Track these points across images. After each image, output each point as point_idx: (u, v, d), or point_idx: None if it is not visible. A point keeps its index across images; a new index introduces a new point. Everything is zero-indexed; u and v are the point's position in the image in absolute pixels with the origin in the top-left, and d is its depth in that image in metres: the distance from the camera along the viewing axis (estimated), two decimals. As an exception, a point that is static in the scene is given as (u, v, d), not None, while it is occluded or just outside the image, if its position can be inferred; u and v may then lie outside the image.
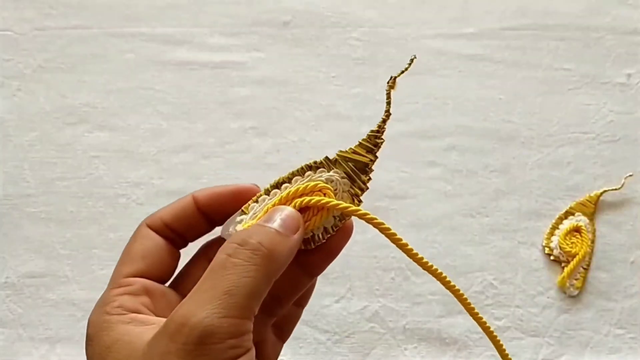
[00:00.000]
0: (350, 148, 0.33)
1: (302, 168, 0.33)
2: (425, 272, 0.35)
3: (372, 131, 0.34)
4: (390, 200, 0.59)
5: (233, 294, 0.27)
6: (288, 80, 0.62)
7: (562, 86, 0.62)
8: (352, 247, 0.58)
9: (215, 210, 0.32)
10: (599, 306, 0.58)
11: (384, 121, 0.35)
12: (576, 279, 0.58)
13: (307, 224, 0.31)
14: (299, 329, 0.56)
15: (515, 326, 0.57)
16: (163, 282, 0.33)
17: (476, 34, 0.63)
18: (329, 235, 0.32)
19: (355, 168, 0.33)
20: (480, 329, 0.57)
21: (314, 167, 0.33)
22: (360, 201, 0.33)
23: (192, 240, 0.34)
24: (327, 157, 0.33)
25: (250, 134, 0.61)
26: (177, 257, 0.34)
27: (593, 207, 0.59)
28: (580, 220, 0.59)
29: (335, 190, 0.32)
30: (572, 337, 0.57)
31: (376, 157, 0.34)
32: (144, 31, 0.63)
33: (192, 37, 0.63)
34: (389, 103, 0.36)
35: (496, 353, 0.57)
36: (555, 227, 0.59)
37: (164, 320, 0.29)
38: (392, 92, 0.35)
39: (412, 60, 0.34)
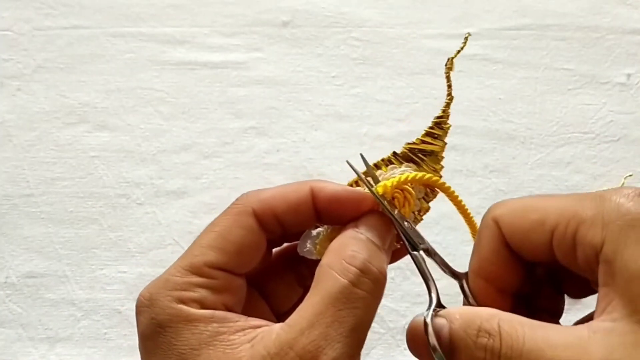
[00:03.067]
0: (418, 138, 0.33)
1: (371, 168, 0.31)
2: None
3: (436, 117, 0.33)
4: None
5: (360, 332, 0.26)
6: (288, 80, 0.62)
7: (562, 86, 0.62)
8: (352, 247, 0.58)
9: (331, 211, 0.29)
10: (598, 306, 0.58)
11: (448, 105, 0.34)
12: (576, 279, 0.58)
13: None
14: (299, 329, 0.57)
15: (515, 326, 0.57)
16: (242, 274, 0.29)
17: (476, 34, 0.63)
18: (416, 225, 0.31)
19: (426, 157, 0.32)
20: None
21: (381, 164, 0.31)
22: (436, 192, 0.32)
23: (291, 232, 0.30)
24: (394, 152, 0.32)
25: (250, 134, 0.61)
26: (265, 249, 0.29)
27: (593, 207, 0.59)
28: (580, 220, 0.59)
29: (413, 185, 0.31)
30: (572, 337, 0.57)
31: (445, 143, 0.32)
32: (144, 31, 0.63)
33: (192, 37, 0.63)
34: (449, 86, 0.34)
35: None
36: (555, 227, 0.59)
37: (247, 320, 0.26)
38: (452, 73, 0.34)
39: (466, 38, 0.33)
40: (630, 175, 0.60)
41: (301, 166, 0.60)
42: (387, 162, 0.32)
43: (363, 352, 0.60)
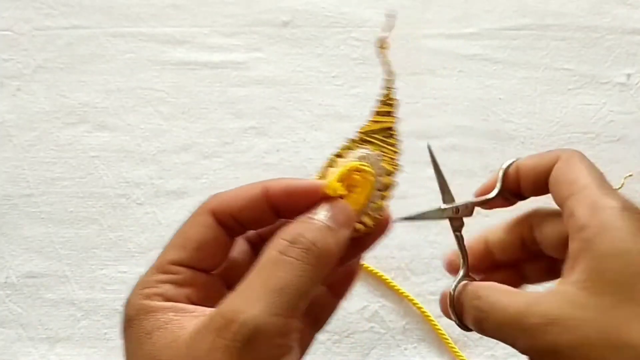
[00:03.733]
0: (369, 120, 0.34)
1: (331, 159, 0.33)
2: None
3: (381, 95, 0.35)
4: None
5: (284, 293, 0.27)
6: (288, 80, 0.62)
7: (562, 86, 0.62)
8: (352, 247, 0.58)
9: (285, 205, 0.31)
10: (598, 306, 0.58)
11: (389, 81, 0.35)
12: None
13: (355, 205, 0.31)
14: (299, 329, 0.57)
15: (515, 326, 0.57)
16: (210, 271, 0.32)
17: (476, 34, 0.63)
18: (379, 216, 0.32)
19: (381, 136, 0.33)
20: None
21: (342, 153, 0.33)
22: (398, 166, 0.33)
23: (254, 229, 0.33)
24: (350, 139, 0.33)
25: (250, 134, 0.61)
26: (230, 247, 0.32)
27: (593, 207, 0.59)
28: (580, 220, 0.59)
29: (371, 164, 0.32)
30: (572, 337, 0.57)
31: (395, 118, 0.34)
32: (144, 31, 0.63)
33: (192, 37, 0.63)
34: (386, 63, 0.36)
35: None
36: (555, 227, 0.59)
37: (204, 309, 0.28)
38: (387, 52, 0.35)
39: (389, 16, 0.35)
40: (630, 175, 0.60)
41: (301, 166, 0.60)
42: (346, 148, 0.33)
43: (363, 352, 0.60)
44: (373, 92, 0.62)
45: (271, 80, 0.62)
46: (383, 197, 0.32)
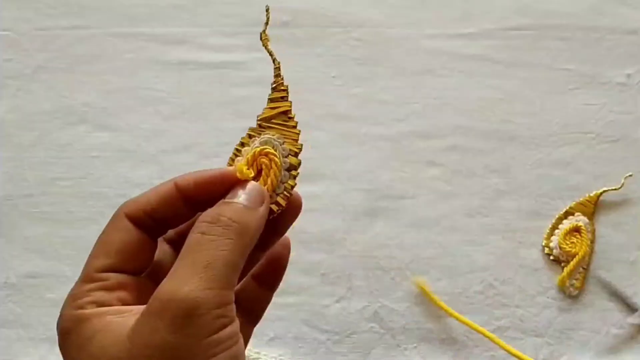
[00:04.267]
0: (265, 108, 0.36)
1: (237, 149, 0.34)
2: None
3: (272, 84, 0.37)
4: (390, 200, 0.59)
5: (212, 267, 0.28)
6: (288, 80, 0.62)
7: (562, 86, 0.62)
8: (352, 247, 0.58)
9: (198, 196, 0.32)
10: (598, 306, 0.58)
11: (277, 69, 0.38)
12: (576, 279, 0.58)
13: (266, 187, 0.32)
14: (299, 328, 0.57)
15: (515, 326, 0.57)
16: (139, 273, 0.32)
17: (476, 34, 0.63)
18: (290, 195, 0.33)
19: (280, 121, 0.35)
20: (479, 330, 0.57)
21: (246, 142, 0.34)
22: (300, 145, 0.35)
23: (173, 227, 0.33)
24: (251, 127, 0.35)
25: (250, 134, 0.61)
26: (155, 247, 0.33)
27: (593, 207, 0.59)
28: (580, 220, 0.59)
29: (274, 147, 0.34)
30: (572, 337, 0.57)
31: (290, 102, 0.36)
32: (144, 31, 0.63)
33: (192, 37, 0.63)
34: (271, 53, 0.39)
35: (496, 354, 0.57)
36: (555, 227, 0.59)
37: (142, 307, 0.29)
38: (268, 43, 0.39)
39: (267, 9, 0.39)
40: (630, 175, 0.60)
41: (301, 166, 0.60)
42: (248, 137, 0.35)
43: (363, 352, 0.60)
44: (373, 92, 0.62)
45: (271, 80, 0.62)
46: (292, 177, 0.34)
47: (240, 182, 0.32)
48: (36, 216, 0.59)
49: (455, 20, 0.63)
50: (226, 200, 0.31)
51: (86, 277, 0.31)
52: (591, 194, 0.59)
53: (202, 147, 0.61)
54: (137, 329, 0.27)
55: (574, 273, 0.58)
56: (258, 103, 0.62)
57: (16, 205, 0.60)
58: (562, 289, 0.58)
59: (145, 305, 0.28)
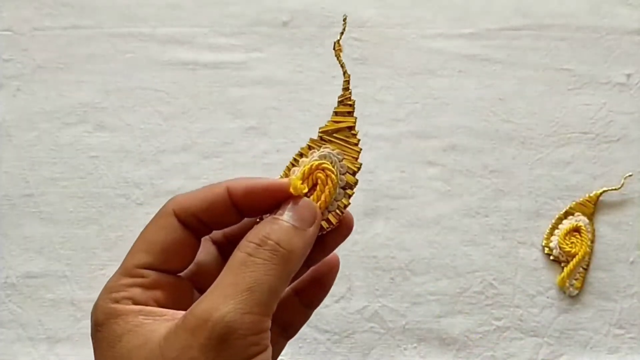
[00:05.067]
0: (328, 121, 0.34)
1: (294, 159, 0.33)
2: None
3: (340, 97, 0.35)
4: (390, 200, 0.59)
5: (254, 291, 0.27)
6: (288, 80, 0.62)
7: (562, 86, 0.62)
8: (352, 247, 0.58)
9: (248, 204, 0.31)
10: (598, 306, 0.58)
11: (347, 82, 0.35)
12: (576, 279, 0.58)
13: (319, 203, 0.32)
14: (299, 329, 0.57)
15: (515, 326, 0.57)
16: (178, 272, 0.32)
17: (476, 34, 0.63)
18: (342, 214, 0.32)
19: (342, 135, 0.33)
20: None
21: (304, 152, 0.33)
22: (359, 164, 0.33)
23: (219, 229, 0.33)
24: (311, 139, 0.34)
25: (250, 134, 0.61)
26: (197, 247, 0.32)
27: (593, 207, 0.59)
28: (580, 220, 0.59)
29: (332, 162, 0.33)
30: (572, 337, 0.57)
31: (356, 118, 0.34)
32: (144, 31, 0.63)
33: (192, 37, 0.63)
34: (342, 66, 0.36)
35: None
36: (554, 227, 0.59)
37: (175, 312, 0.29)
38: (341, 54, 0.36)
39: (344, 19, 0.35)
40: (630, 175, 0.60)
41: (301, 166, 0.60)
42: (308, 148, 0.33)
43: (363, 352, 0.60)
44: (373, 92, 0.62)
45: (271, 80, 0.62)
46: (346, 195, 0.33)
47: (292, 197, 0.31)
48: (36, 216, 0.59)
49: (455, 20, 0.63)
50: (276, 216, 0.30)
51: (125, 271, 0.30)
52: (591, 194, 0.59)
53: (202, 147, 0.61)
54: (170, 341, 0.27)
55: (574, 273, 0.58)
56: (258, 103, 0.62)
57: (16, 205, 0.60)
58: (562, 289, 0.58)
59: (179, 313, 0.28)
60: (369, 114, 0.61)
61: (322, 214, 0.32)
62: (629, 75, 0.62)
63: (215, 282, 0.28)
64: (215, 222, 0.32)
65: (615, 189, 0.59)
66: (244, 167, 0.60)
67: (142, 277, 0.30)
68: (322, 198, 0.32)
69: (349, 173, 0.33)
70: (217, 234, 0.34)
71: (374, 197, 0.59)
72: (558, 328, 0.57)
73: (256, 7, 0.64)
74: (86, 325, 0.57)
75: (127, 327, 0.28)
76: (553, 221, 0.59)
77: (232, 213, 0.31)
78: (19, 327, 0.58)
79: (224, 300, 0.27)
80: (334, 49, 0.35)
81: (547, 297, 0.58)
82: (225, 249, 0.34)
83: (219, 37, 0.63)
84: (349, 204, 0.33)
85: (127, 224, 0.59)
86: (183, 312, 0.29)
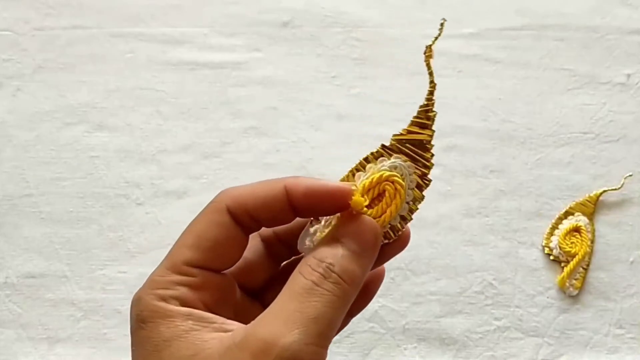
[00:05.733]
0: (404, 129, 0.32)
1: (360, 162, 0.32)
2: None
3: (421, 106, 0.33)
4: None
5: (319, 323, 0.27)
6: (288, 80, 0.62)
7: (562, 86, 0.62)
8: (352, 247, 0.58)
9: (307, 206, 0.30)
10: (598, 306, 0.58)
11: (431, 92, 0.34)
12: (576, 279, 0.58)
13: (383, 216, 0.30)
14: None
15: (515, 326, 0.57)
16: (224, 270, 0.31)
17: (476, 34, 0.63)
18: (403, 230, 0.31)
19: (415, 147, 0.32)
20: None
21: (372, 158, 0.32)
22: (429, 180, 0.32)
23: (270, 227, 0.32)
24: (383, 145, 0.32)
25: (250, 134, 0.61)
26: (246, 245, 0.31)
27: (593, 207, 0.59)
28: (580, 220, 0.59)
29: (402, 175, 0.31)
30: (572, 337, 0.57)
31: (433, 131, 0.32)
32: (144, 31, 0.63)
33: (192, 37, 0.63)
34: (431, 73, 0.34)
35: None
36: (554, 227, 0.59)
37: (223, 321, 0.28)
38: (431, 61, 0.34)
39: (442, 24, 0.34)
40: (630, 175, 0.60)
41: (301, 166, 0.60)
42: (377, 155, 0.32)
43: (363, 352, 0.60)
44: (373, 92, 0.62)
45: (271, 80, 0.62)
46: (410, 211, 0.31)
47: (357, 215, 0.30)
48: (36, 216, 0.59)
49: (455, 20, 0.63)
50: (340, 240, 0.29)
51: (173, 267, 0.29)
52: (591, 194, 0.59)
53: (202, 147, 0.61)
54: (227, 359, 0.26)
55: (574, 273, 0.58)
56: (258, 103, 0.62)
57: (16, 205, 0.60)
58: (562, 289, 0.58)
59: (227, 323, 0.28)
60: (369, 114, 0.61)
61: (383, 229, 0.31)
62: (629, 75, 0.62)
63: (277, 305, 0.28)
64: (269, 221, 0.31)
65: (615, 189, 0.59)
66: (244, 167, 0.60)
67: (191, 275, 0.29)
68: (387, 212, 0.31)
69: (417, 188, 0.31)
70: (265, 229, 0.32)
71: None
72: (558, 328, 0.57)
73: (256, 7, 0.64)
74: (86, 325, 0.57)
75: (176, 331, 0.27)
76: (553, 221, 0.59)
77: (288, 212, 0.30)
78: (19, 327, 0.58)
79: (289, 327, 0.26)
80: (424, 53, 0.33)
81: (547, 297, 0.58)
82: (273, 245, 0.33)
83: (219, 37, 0.63)
84: (412, 219, 0.32)
85: (127, 224, 0.59)
86: (231, 323, 0.28)
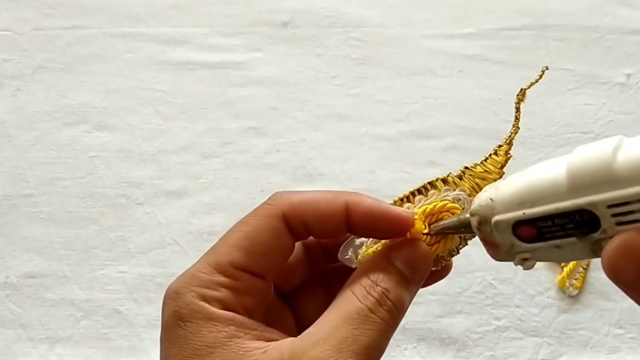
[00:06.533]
0: (478, 165, 0.32)
1: (424, 186, 0.31)
2: None
3: (501, 147, 0.33)
4: (390, 200, 0.59)
5: (369, 352, 0.26)
6: (288, 80, 0.62)
7: (562, 86, 0.62)
8: (352, 247, 0.58)
9: (364, 226, 0.29)
10: (598, 306, 0.58)
11: (514, 134, 0.34)
12: (576, 279, 0.58)
13: (435, 245, 0.30)
14: (299, 329, 0.57)
15: (515, 326, 0.57)
16: (268, 275, 0.30)
17: (476, 34, 0.63)
18: (448, 262, 0.31)
19: (482, 184, 0.31)
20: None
21: (436, 184, 0.31)
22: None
23: (319, 238, 0.31)
24: (451, 174, 0.31)
25: (250, 134, 0.61)
26: (292, 251, 0.30)
27: (593, 207, 0.59)
28: (580, 220, 0.59)
29: (463, 209, 0.30)
30: (572, 337, 0.57)
31: (503, 172, 0.32)
32: (144, 31, 0.63)
33: (192, 37, 0.63)
34: (517, 118, 0.34)
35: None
36: (555, 227, 0.59)
37: (265, 329, 0.28)
38: (522, 104, 0.33)
39: (543, 71, 0.33)
40: (630, 175, 0.60)
41: (301, 166, 0.60)
42: (443, 181, 0.31)
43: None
44: (373, 92, 0.62)
45: (271, 80, 0.62)
46: (460, 245, 0.31)
47: (412, 240, 0.29)
48: (36, 216, 0.59)
49: (455, 20, 0.63)
50: (394, 264, 0.28)
51: (219, 266, 0.28)
52: (591, 194, 0.59)
53: (202, 147, 0.61)
54: None
55: (574, 273, 0.58)
56: (258, 103, 0.62)
57: (16, 205, 0.60)
58: (562, 289, 0.58)
59: (269, 331, 0.27)
60: (369, 114, 0.61)
61: (434, 259, 0.30)
62: (629, 75, 0.62)
63: (328, 325, 0.27)
64: (321, 233, 0.30)
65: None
66: (244, 167, 0.60)
67: (237, 279, 0.28)
68: (441, 244, 0.30)
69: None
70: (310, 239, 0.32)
71: (374, 197, 0.59)
72: (558, 328, 0.57)
73: (256, 7, 0.64)
74: (86, 325, 0.57)
75: (218, 337, 0.26)
76: (553, 221, 0.59)
77: (343, 228, 0.29)
78: (19, 327, 0.58)
79: (342, 355, 0.26)
80: (517, 95, 0.33)
81: (547, 297, 0.58)
82: (313, 250, 0.33)
83: (219, 37, 0.63)
84: (459, 254, 0.31)
85: (127, 224, 0.59)
86: (272, 331, 0.28)
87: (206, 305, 0.27)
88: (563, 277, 0.57)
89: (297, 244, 0.31)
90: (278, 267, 0.30)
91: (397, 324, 0.28)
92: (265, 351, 0.26)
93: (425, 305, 0.57)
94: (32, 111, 0.62)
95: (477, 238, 0.28)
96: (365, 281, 0.28)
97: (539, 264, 0.59)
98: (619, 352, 0.57)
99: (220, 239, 0.29)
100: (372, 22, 0.63)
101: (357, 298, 0.27)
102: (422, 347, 0.57)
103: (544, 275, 0.58)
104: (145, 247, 0.59)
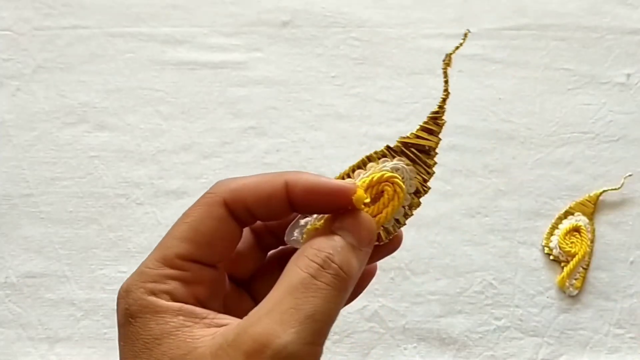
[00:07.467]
0: (412, 133, 0.32)
1: (362, 160, 0.31)
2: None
3: (432, 112, 0.33)
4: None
5: (316, 320, 0.26)
6: (288, 80, 0.62)
7: (562, 86, 0.62)
8: (351, 247, 0.58)
9: (306, 203, 0.29)
10: (598, 306, 0.58)
11: (444, 100, 0.34)
12: (576, 279, 0.58)
13: (378, 216, 0.30)
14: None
15: (515, 326, 0.57)
16: (217, 264, 0.30)
17: (476, 34, 0.63)
18: (395, 233, 0.31)
19: (419, 153, 0.31)
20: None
21: (374, 157, 0.31)
22: (428, 187, 0.31)
23: (265, 221, 0.31)
24: (388, 146, 0.31)
25: (250, 133, 0.61)
26: (239, 238, 0.30)
27: (592, 207, 0.59)
28: (580, 220, 0.59)
29: (403, 178, 0.31)
30: (572, 337, 0.57)
31: (440, 139, 0.32)
32: (144, 31, 0.63)
33: (192, 37, 0.63)
34: (446, 82, 0.34)
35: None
36: (554, 227, 0.59)
37: (215, 315, 0.27)
38: (449, 69, 0.34)
39: (466, 35, 0.34)
40: (630, 175, 0.60)
41: (301, 166, 0.60)
42: (380, 155, 0.31)
43: (363, 351, 0.60)
44: (373, 92, 0.62)
45: (271, 80, 0.62)
46: (406, 215, 0.31)
47: (353, 210, 0.29)
48: (36, 216, 0.59)
49: (455, 20, 0.63)
50: (337, 233, 0.28)
51: (165, 260, 0.28)
52: (591, 194, 0.59)
53: (202, 147, 0.61)
54: (220, 358, 0.25)
55: (573, 273, 0.58)
56: (258, 103, 0.62)
57: (16, 205, 0.60)
58: (562, 289, 0.58)
59: (219, 317, 0.27)
60: (369, 114, 0.61)
61: (377, 227, 0.30)
62: (629, 75, 0.62)
63: (271, 300, 0.26)
64: (266, 216, 0.30)
65: (615, 189, 0.59)
66: (244, 167, 0.60)
67: (184, 269, 0.28)
68: (383, 214, 0.30)
69: (415, 194, 0.31)
70: (258, 223, 0.32)
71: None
72: (558, 328, 0.57)
73: (256, 7, 0.64)
74: (86, 325, 0.57)
75: (166, 328, 0.26)
76: (553, 221, 0.59)
77: (286, 208, 0.29)
78: (19, 327, 0.58)
79: (285, 326, 0.25)
80: (443, 61, 0.33)
81: (547, 297, 0.58)
82: (262, 235, 0.32)
83: (219, 37, 0.63)
84: (405, 224, 0.31)
85: (126, 224, 0.59)
86: (223, 317, 0.27)
87: (154, 299, 0.27)
88: (563, 277, 0.57)
89: (246, 230, 0.31)
90: (227, 255, 0.30)
91: (346, 290, 0.27)
92: (213, 337, 0.26)
93: (425, 305, 0.57)
94: (32, 111, 0.62)
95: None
96: (308, 251, 0.28)
97: (539, 264, 0.59)
98: (619, 352, 0.57)
99: (166, 234, 0.29)
100: (371, 22, 0.63)
101: (300, 268, 0.27)
102: (422, 347, 0.57)
103: (544, 275, 0.58)
104: (145, 247, 0.59)
